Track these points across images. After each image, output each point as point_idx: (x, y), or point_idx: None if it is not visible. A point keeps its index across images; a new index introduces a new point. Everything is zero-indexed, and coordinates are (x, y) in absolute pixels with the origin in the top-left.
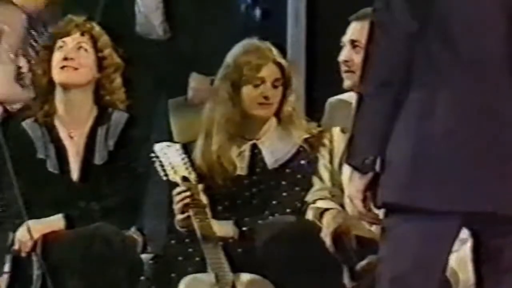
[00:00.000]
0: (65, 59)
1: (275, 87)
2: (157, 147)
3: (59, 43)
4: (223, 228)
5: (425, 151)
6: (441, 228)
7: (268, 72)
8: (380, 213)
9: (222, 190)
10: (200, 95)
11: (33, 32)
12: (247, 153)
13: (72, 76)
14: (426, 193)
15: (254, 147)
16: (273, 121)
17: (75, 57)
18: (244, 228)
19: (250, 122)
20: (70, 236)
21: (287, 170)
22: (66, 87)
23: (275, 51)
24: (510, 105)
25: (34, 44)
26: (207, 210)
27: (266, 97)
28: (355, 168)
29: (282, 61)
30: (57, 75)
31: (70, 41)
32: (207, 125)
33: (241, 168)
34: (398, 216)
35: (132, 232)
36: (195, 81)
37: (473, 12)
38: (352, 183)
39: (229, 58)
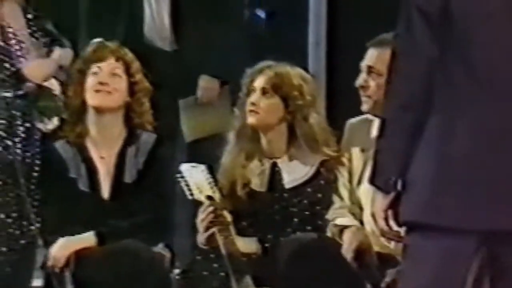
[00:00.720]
0: (100, 83)
1: (264, 93)
2: (183, 167)
3: (94, 68)
4: (247, 245)
5: (446, 172)
6: (460, 246)
7: (258, 82)
8: (402, 231)
9: (246, 208)
10: (209, 94)
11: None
12: (267, 172)
13: (106, 100)
14: (446, 212)
15: (275, 165)
16: (285, 138)
17: (109, 82)
18: (267, 245)
19: (254, 134)
20: (101, 253)
21: (308, 189)
22: (99, 110)
23: (274, 65)
24: None
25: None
26: (231, 227)
27: (253, 104)
28: (378, 188)
29: (270, 73)
30: (91, 99)
31: (105, 67)
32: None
33: (262, 186)
34: (419, 234)
35: (161, 248)
36: (204, 81)
37: (493, 37)
38: (376, 202)
39: None
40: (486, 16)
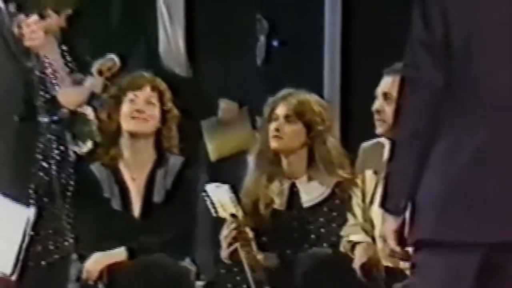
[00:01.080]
0: (137, 111)
1: (288, 120)
2: (208, 187)
3: (130, 95)
4: (267, 259)
5: (451, 190)
6: (466, 259)
7: (281, 109)
8: (410, 250)
9: (266, 225)
10: (228, 115)
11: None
12: (286, 191)
13: (141, 126)
14: (452, 227)
15: (293, 185)
16: (305, 160)
17: (145, 109)
18: (286, 259)
19: (275, 157)
20: (132, 267)
21: (324, 208)
22: (133, 135)
23: (295, 93)
24: None
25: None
26: (253, 243)
27: (277, 130)
28: (388, 211)
29: (293, 101)
30: (127, 124)
31: (141, 95)
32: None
33: (281, 205)
34: (428, 251)
35: (187, 262)
36: (224, 103)
37: (492, 63)
38: (386, 224)
39: None
40: (485, 44)
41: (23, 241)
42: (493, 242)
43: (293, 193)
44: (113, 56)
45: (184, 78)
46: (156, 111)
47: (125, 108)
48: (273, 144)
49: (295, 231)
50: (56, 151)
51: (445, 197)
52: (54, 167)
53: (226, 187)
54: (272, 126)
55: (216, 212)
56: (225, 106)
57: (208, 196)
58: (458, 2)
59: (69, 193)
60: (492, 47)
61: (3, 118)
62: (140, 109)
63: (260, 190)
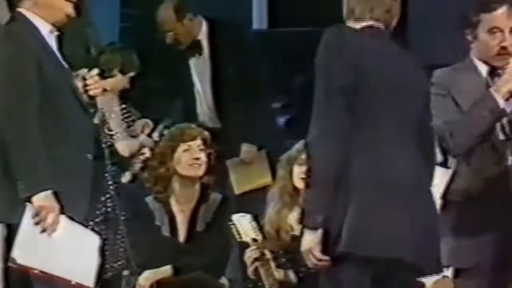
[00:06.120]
0: (195, 159)
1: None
2: (234, 217)
3: (185, 146)
4: (286, 275)
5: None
6: (363, 272)
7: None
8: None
9: (286, 247)
10: (249, 156)
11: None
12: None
13: (197, 172)
14: (361, 242)
15: None
16: None
17: (199, 157)
18: (301, 275)
19: (295, 193)
20: (176, 282)
21: None
22: (184, 177)
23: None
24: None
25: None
26: (271, 262)
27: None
28: (307, 227)
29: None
30: (186, 171)
31: (194, 145)
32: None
33: (299, 231)
34: (344, 263)
35: (222, 279)
36: (245, 146)
37: (386, 106)
38: (308, 239)
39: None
40: (384, 95)
41: (100, 260)
42: (387, 258)
43: None
44: (147, 120)
45: (215, 128)
46: (205, 157)
47: (183, 157)
48: (302, 184)
49: None
50: (112, 188)
51: (356, 215)
52: (109, 200)
53: (248, 216)
54: (301, 169)
55: (240, 237)
56: (246, 149)
57: (233, 224)
58: (367, 63)
59: (121, 222)
60: (386, 100)
61: (82, 155)
62: (196, 156)
63: (282, 219)
